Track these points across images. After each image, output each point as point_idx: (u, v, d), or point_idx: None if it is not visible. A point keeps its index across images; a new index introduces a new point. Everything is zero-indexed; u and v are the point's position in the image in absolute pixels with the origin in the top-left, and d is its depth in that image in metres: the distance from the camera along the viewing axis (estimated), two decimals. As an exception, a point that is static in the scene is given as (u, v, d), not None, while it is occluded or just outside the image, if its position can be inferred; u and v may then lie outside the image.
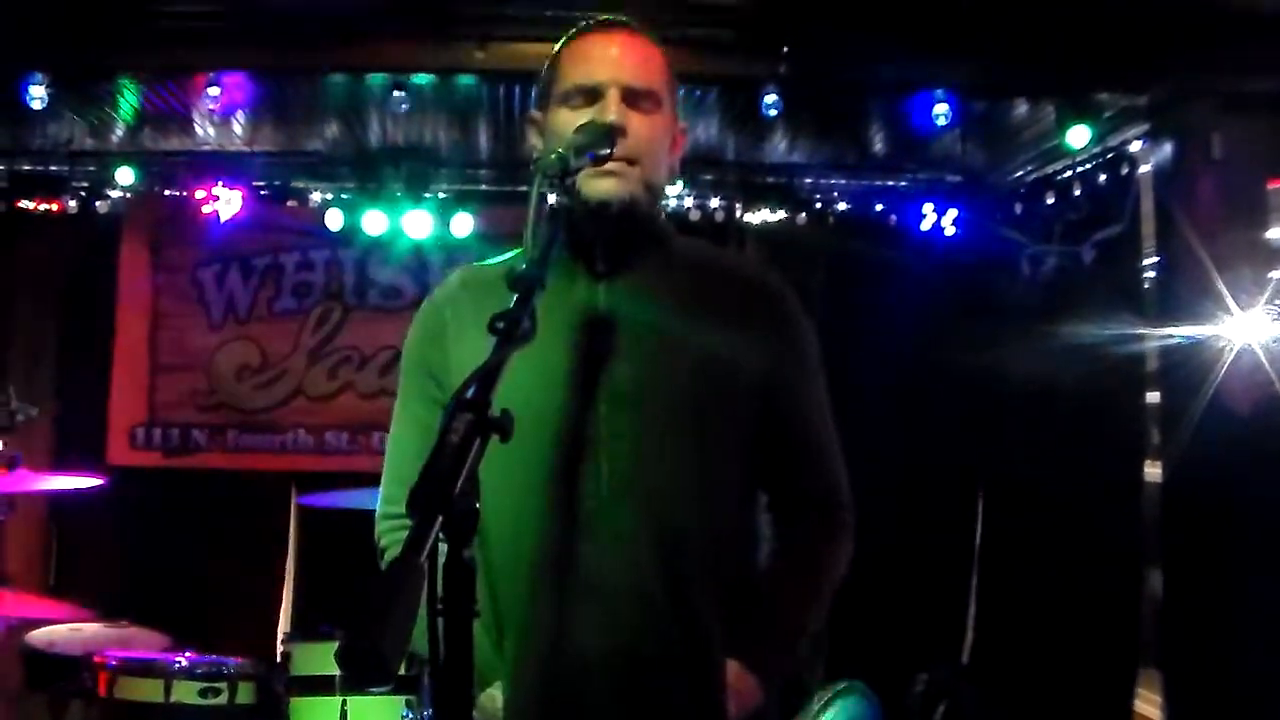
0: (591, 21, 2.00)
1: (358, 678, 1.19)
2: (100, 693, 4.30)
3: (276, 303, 6.84)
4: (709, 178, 6.45)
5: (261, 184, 6.49)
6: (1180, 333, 4.81)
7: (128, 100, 5.45)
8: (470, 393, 1.39)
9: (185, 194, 6.38)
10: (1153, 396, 5.31)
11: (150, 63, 4.98)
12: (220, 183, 6.30)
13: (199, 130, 5.95)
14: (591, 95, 1.92)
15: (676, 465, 1.91)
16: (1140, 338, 5.21)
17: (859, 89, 5.35)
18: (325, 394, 6.80)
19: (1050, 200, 6.12)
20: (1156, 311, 5.18)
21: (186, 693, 4.28)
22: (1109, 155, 5.60)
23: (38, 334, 6.64)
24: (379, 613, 1.20)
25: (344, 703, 4.39)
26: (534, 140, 2.04)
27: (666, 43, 2.03)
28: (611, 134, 1.84)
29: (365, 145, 6.17)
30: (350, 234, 6.49)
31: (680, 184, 6.21)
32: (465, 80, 5.16)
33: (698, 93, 5.31)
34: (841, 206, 6.70)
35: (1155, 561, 5.23)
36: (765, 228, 6.50)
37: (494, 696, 1.89)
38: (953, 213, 6.50)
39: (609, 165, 1.85)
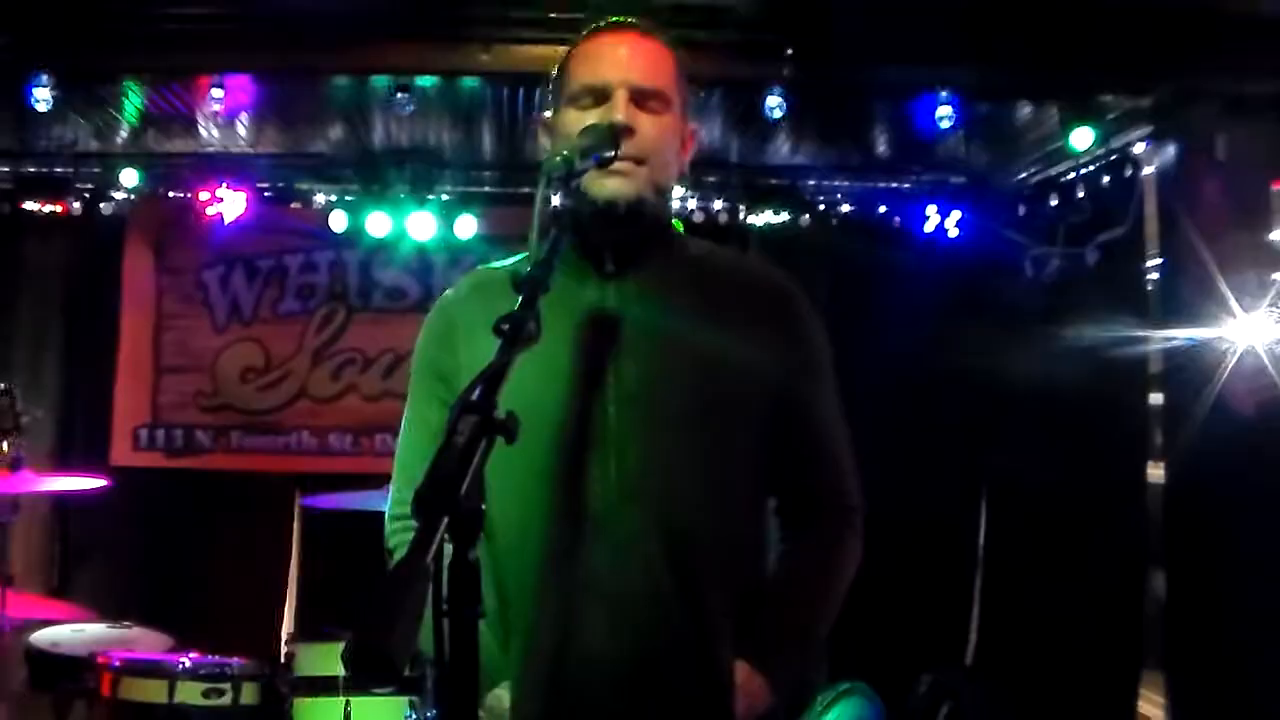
0: (603, 24, 2.01)
1: (364, 677, 1.20)
2: (104, 693, 4.30)
3: (280, 304, 6.84)
4: (712, 179, 6.45)
5: (265, 186, 6.49)
6: (1184, 334, 4.81)
7: (132, 102, 5.45)
8: (476, 394, 1.40)
9: (189, 196, 6.39)
10: (1156, 398, 5.31)
11: (154, 65, 4.98)
12: (224, 184, 6.30)
13: (203, 132, 5.95)
14: (600, 95, 1.93)
15: (685, 466, 1.91)
16: (1144, 339, 5.21)
17: (863, 91, 5.35)
18: (329, 395, 6.80)
19: (1054, 202, 6.12)
20: (1160, 313, 5.18)
21: (190, 693, 4.28)
22: (1113, 157, 5.60)
23: (42, 335, 6.64)
24: (385, 612, 1.21)
25: (347, 703, 4.39)
26: (544, 141, 2.05)
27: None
28: (616, 135, 1.85)
29: (369, 147, 6.17)
30: (354, 236, 6.50)
31: (683, 186, 6.20)
32: (469, 82, 5.16)
33: (701, 94, 5.31)
34: (845, 208, 6.70)
35: (1158, 563, 5.23)
36: (769, 230, 6.50)
37: (500, 697, 1.90)
38: (956, 214, 6.50)
39: (616, 165, 1.86)
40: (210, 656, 4.49)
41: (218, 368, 6.77)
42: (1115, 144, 5.47)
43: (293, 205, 6.64)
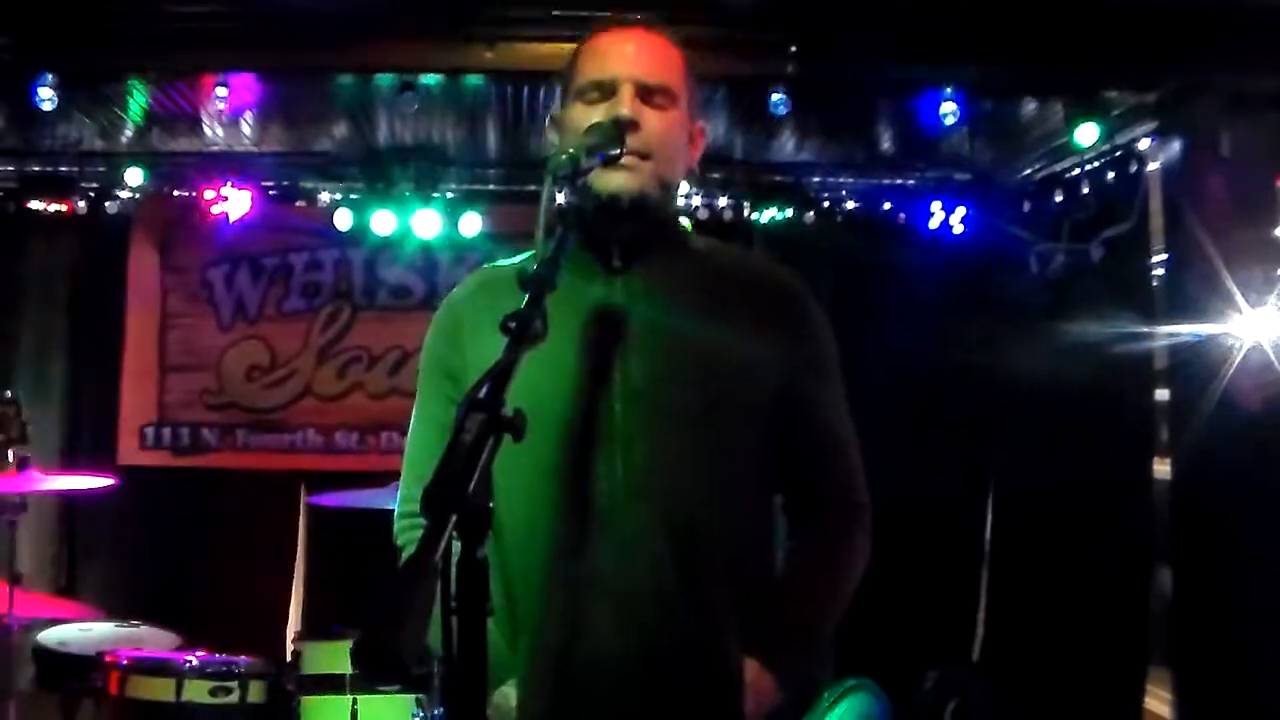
0: (611, 20, 2.02)
1: (372, 674, 1.20)
2: (111, 692, 4.31)
3: (285, 302, 6.85)
4: (717, 176, 6.44)
5: (270, 184, 6.49)
6: (1189, 330, 4.80)
7: (137, 101, 5.45)
8: (483, 392, 1.41)
9: (194, 194, 6.39)
10: (1162, 394, 5.30)
11: (158, 63, 4.98)
12: (229, 183, 6.31)
13: (208, 131, 5.95)
14: (606, 90, 1.93)
15: (691, 462, 1.91)
16: (1149, 335, 5.21)
17: (867, 87, 5.35)
18: (334, 394, 6.81)
19: (1059, 198, 6.12)
20: (1165, 309, 5.17)
21: (197, 692, 4.29)
22: (1117, 153, 5.60)
23: (47, 334, 6.65)
24: (394, 610, 1.21)
25: (354, 701, 4.40)
26: (552, 137, 2.05)
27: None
28: (621, 130, 1.85)
29: (374, 145, 6.18)
30: (359, 234, 6.50)
31: (689, 183, 6.21)
32: (474, 80, 5.16)
33: (705, 91, 5.30)
34: (849, 205, 6.69)
35: (1164, 559, 5.23)
36: (773, 226, 6.50)
37: (508, 694, 1.90)
38: (961, 211, 6.50)
39: (621, 159, 1.86)
40: (217, 655, 4.49)
41: (223, 366, 6.79)
42: (1120, 140, 5.47)
43: (297, 204, 6.64)
